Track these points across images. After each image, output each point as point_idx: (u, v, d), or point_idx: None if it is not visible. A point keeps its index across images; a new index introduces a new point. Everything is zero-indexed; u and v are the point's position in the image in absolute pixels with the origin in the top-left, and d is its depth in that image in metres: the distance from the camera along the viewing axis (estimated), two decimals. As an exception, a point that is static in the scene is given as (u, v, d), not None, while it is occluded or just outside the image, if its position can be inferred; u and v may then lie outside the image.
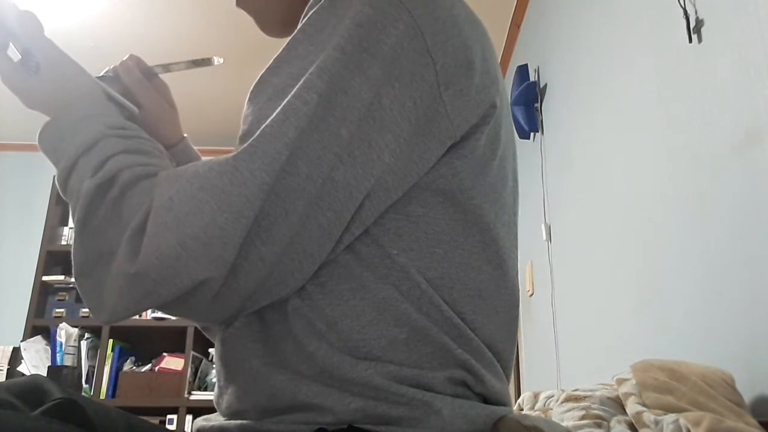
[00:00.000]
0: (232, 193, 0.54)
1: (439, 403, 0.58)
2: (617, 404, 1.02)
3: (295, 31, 0.61)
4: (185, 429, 2.84)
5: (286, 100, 0.56)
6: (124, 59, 0.84)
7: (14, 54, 0.66)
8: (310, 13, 0.61)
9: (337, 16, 0.59)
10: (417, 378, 0.59)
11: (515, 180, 0.73)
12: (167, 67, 0.88)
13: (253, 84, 0.61)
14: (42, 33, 0.67)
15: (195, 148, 0.94)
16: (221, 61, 0.89)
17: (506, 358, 0.68)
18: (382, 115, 0.57)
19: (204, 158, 0.95)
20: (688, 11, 1.27)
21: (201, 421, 0.67)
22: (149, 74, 0.87)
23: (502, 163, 0.67)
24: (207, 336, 0.77)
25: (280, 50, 0.61)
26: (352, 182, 0.56)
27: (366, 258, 0.60)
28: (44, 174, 3.39)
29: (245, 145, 0.56)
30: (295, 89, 0.57)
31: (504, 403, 0.65)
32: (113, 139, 0.61)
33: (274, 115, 0.56)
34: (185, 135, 0.93)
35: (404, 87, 0.58)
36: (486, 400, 0.64)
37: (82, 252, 0.58)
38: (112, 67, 0.84)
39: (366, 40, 0.57)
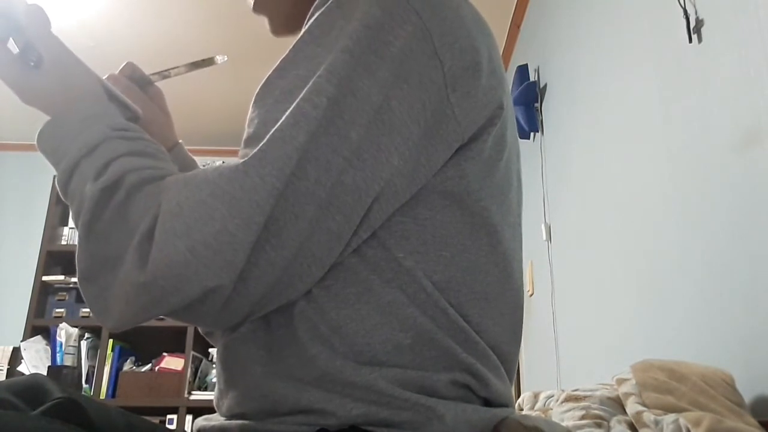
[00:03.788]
0: (242, 199, 0.53)
1: (442, 408, 0.58)
2: (617, 404, 1.02)
3: (302, 32, 0.61)
4: (185, 429, 2.84)
5: (295, 104, 0.56)
6: (113, 73, 0.84)
7: (14, 48, 0.65)
8: (317, 14, 0.61)
9: (345, 17, 0.58)
10: (421, 381, 0.59)
11: (519, 181, 0.73)
12: (165, 74, 0.87)
13: (259, 86, 0.60)
14: (49, 28, 0.66)
15: (193, 147, 0.93)
16: (225, 59, 0.87)
17: (510, 360, 0.68)
18: (390, 117, 0.57)
19: (199, 159, 0.96)
20: (688, 11, 1.27)
21: (202, 420, 0.66)
22: (144, 82, 0.87)
23: (507, 164, 0.67)
24: (209, 340, 0.76)
25: (287, 51, 0.60)
26: (361, 185, 0.56)
27: (372, 261, 0.60)
28: (44, 174, 3.39)
29: (255, 150, 0.55)
30: (303, 92, 0.56)
31: (506, 404, 0.65)
32: (116, 141, 0.60)
33: (283, 118, 0.55)
34: (180, 141, 0.93)
35: (413, 89, 0.57)
36: (488, 403, 0.63)
37: (87, 257, 0.57)
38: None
39: (374, 42, 0.57)
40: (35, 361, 2.99)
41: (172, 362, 3.06)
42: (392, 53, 0.57)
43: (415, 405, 0.57)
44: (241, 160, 0.55)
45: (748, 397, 1.00)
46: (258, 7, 0.80)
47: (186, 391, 2.99)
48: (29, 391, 0.57)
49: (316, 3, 0.62)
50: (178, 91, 0.91)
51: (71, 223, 3.34)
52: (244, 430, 0.60)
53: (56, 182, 0.62)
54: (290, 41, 0.62)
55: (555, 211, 2.33)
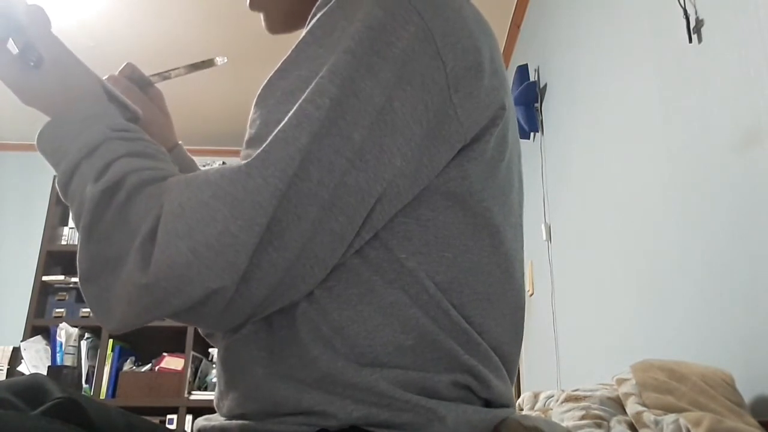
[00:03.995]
0: (245, 201, 0.53)
1: (443, 410, 0.58)
2: (617, 404, 1.02)
3: (304, 32, 0.60)
4: (185, 429, 2.84)
5: (297, 105, 0.56)
6: (113, 74, 0.83)
7: (14, 48, 0.65)
8: (319, 15, 0.60)
9: (347, 18, 0.58)
10: (422, 382, 0.59)
11: (521, 181, 0.73)
12: (165, 75, 0.87)
13: (261, 87, 0.60)
14: (49, 29, 0.65)
15: (193, 148, 0.93)
16: (225, 60, 0.87)
17: (512, 360, 0.68)
18: (393, 118, 0.56)
19: (199, 160, 0.96)
20: (688, 11, 1.27)
21: (202, 420, 0.66)
22: (143, 83, 0.86)
23: (509, 164, 0.67)
24: (209, 341, 0.76)
25: (289, 52, 0.60)
26: (364, 187, 0.56)
27: (375, 262, 0.60)
28: (44, 174, 3.39)
29: (258, 151, 0.55)
30: (306, 93, 0.56)
31: (507, 404, 0.65)
32: (116, 142, 0.60)
33: (286, 120, 0.55)
34: (179, 142, 0.93)
35: (415, 90, 0.57)
36: (489, 404, 0.63)
37: (88, 258, 0.57)
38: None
39: (377, 43, 0.57)
40: (35, 361, 2.99)
41: (172, 362, 3.06)
42: (395, 54, 0.57)
43: (416, 406, 0.57)
44: (244, 162, 0.55)
45: (748, 397, 1.00)
46: (254, 4, 0.80)
47: (186, 391, 2.99)
48: (29, 391, 0.57)
49: (318, 3, 0.62)
50: (178, 92, 0.91)
51: (71, 223, 3.35)
52: (245, 430, 0.60)
53: (56, 183, 0.61)
54: (291, 41, 0.62)
55: (555, 211, 2.33)
